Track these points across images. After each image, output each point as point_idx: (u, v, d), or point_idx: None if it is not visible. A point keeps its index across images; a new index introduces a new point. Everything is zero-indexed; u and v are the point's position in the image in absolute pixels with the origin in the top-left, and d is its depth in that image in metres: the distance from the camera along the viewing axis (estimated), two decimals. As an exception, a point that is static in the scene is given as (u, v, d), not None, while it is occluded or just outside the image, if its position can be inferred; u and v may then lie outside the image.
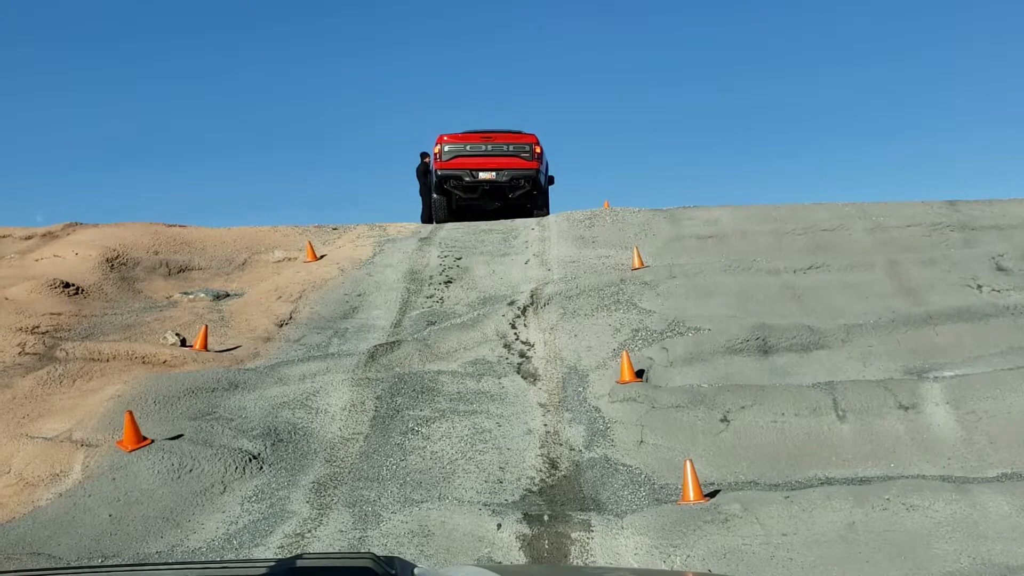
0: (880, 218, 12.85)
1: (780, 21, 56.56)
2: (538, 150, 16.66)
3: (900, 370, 8.44)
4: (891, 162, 51.17)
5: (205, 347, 9.61)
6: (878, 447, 7.21)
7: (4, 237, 14.27)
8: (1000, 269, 10.50)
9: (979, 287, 10.05)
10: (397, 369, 8.93)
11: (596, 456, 7.31)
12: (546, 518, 6.30)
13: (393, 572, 2.12)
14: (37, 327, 9.94)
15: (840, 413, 7.52)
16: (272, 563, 2.24)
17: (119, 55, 52.55)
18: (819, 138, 54.40)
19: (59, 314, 10.47)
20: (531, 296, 10.42)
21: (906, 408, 7.53)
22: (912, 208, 13.24)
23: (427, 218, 17.53)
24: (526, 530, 6.11)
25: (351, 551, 5.84)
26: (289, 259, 13.31)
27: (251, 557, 5.83)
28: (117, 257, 12.76)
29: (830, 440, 7.30)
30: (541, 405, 8.21)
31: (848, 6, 54.82)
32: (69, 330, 10.09)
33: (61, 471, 6.98)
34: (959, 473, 6.82)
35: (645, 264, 11.26)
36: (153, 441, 7.21)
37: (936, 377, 8.04)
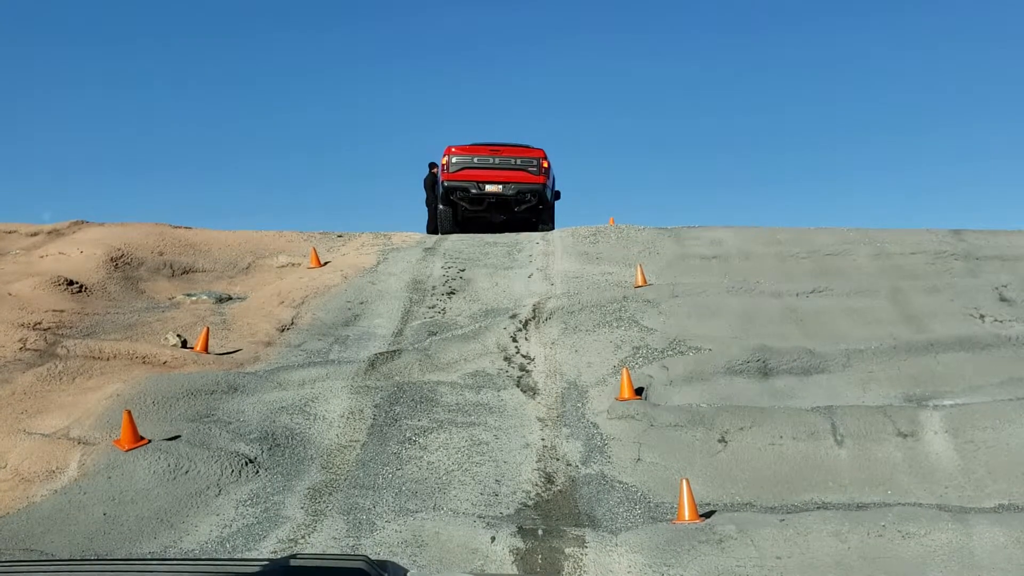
0: (884, 244, 12.86)
1: (792, 44, 56.76)
2: (545, 165, 16.70)
3: (900, 397, 8.43)
4: (896, 189, 51.23)
5: (206, 349, 9.62)
6: (875, 473, 7.19)
7: (10, 233, 14.32)
8: (1003, 299, 10.49)
9: (982, 317, 10.04)
10: (397, 378, 8.93)
11: (592, 472, 7.30)
12: (540, 532, 6.28)
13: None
14: (39, 323, 9.96)
15: (838, 438, 7.50)
16: (265, 562, 2.24)
17: (131, 57, 52.80)
18: (825, 163, 54.49)
19: (61, 311, 10.49)
20: (533, 310, 10.43)
21: (905, 435, 7.51)
22: (917, 236, 13.25)
23: (432, 229, 17.58)
24: (520, 544, 6.09)
25: (345, 553, 5.83)
26: (293, 264, 13.33)
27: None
28: (121, 256, 12.79)
29: (827, 465, 7.29)
30: (539, 419, 8.20)
31: (860, 32, 55.00)
32: (71, 327, 10.11)
33: (57, 468, 6.97)
34: (956, 502, 6.80)
35: (648, 282, 11.27)
36: (150, 441, 7.21)
37: (936, 405, 8.02)
